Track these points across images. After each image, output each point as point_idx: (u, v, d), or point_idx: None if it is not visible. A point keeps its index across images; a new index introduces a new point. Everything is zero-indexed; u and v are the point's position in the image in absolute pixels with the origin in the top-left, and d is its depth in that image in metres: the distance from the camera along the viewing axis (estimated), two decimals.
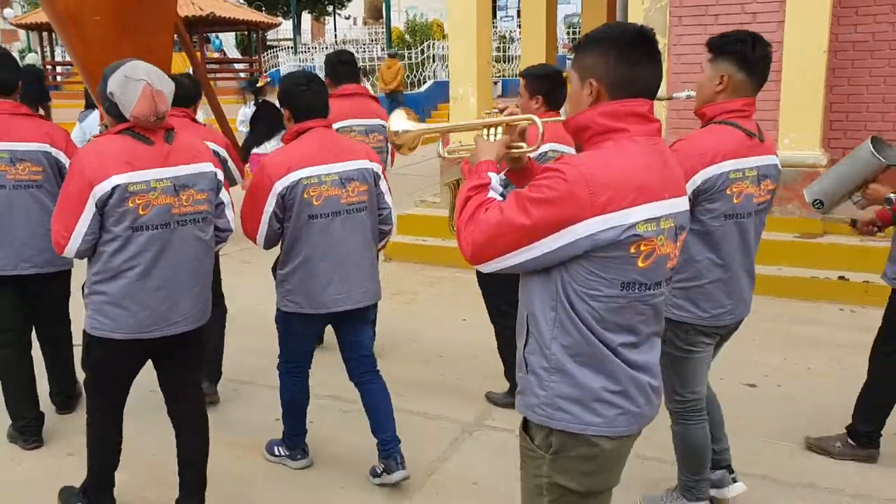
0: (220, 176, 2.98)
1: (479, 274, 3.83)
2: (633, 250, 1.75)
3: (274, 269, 3.49)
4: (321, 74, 4.15)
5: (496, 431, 3.98)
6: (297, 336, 3.42)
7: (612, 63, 1.80)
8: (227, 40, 33.01)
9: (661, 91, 2.90)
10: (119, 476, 3.14)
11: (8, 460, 3.74)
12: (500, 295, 4.00)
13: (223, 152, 4.20)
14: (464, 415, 4.14)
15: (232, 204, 3.14)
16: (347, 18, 39.25)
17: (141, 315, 2.74)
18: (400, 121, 2.24)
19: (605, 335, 1.82)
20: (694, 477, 3.00)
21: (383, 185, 3.41)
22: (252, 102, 9.59)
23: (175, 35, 4.63)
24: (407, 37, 27.66)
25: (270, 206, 3.16)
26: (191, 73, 4.41)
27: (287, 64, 24.88)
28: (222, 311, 4.26)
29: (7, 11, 32.78)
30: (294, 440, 3.62)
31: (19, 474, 3.63)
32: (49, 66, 22.78)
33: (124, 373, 2.94)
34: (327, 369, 4.23)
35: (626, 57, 1.80)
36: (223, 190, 3.02)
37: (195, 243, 2.85)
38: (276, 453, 3.66)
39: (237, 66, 25.99)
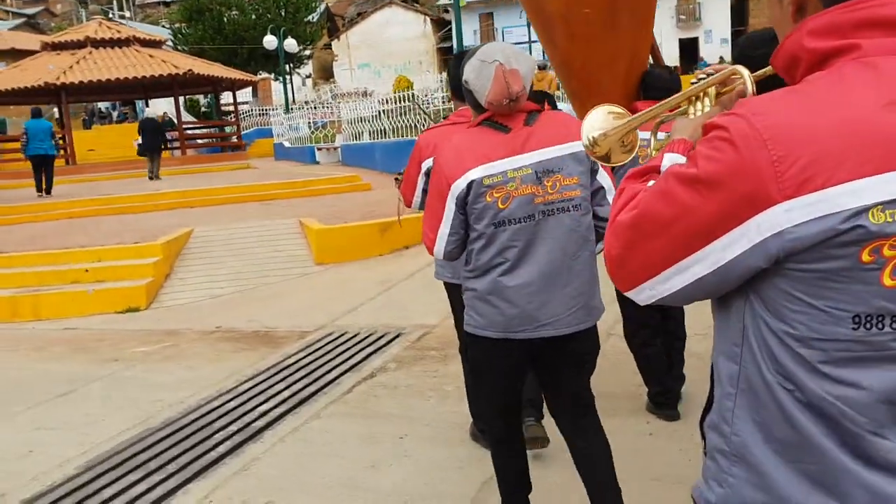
0: None
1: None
2: (866, 257, 0.99)
3: None
4: None
5: None
6: None
7: None
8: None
9: None
10: None
11: None
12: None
13: None
14: None
15: (614, 187, 2.63)
16: (308, 77, 41.58)
17: (509, 313, 2.53)
18: (592, 126, 1.52)
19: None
20: None
21: None
22: None
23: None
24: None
25: None
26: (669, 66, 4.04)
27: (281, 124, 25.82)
28: None
29: None
30: None
31: None
32: None
33: (502, 373, 2.70)
34: None
35: None
36: (602, 172, 2.62)
37: (566, 236, 2.52)
38: None
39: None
